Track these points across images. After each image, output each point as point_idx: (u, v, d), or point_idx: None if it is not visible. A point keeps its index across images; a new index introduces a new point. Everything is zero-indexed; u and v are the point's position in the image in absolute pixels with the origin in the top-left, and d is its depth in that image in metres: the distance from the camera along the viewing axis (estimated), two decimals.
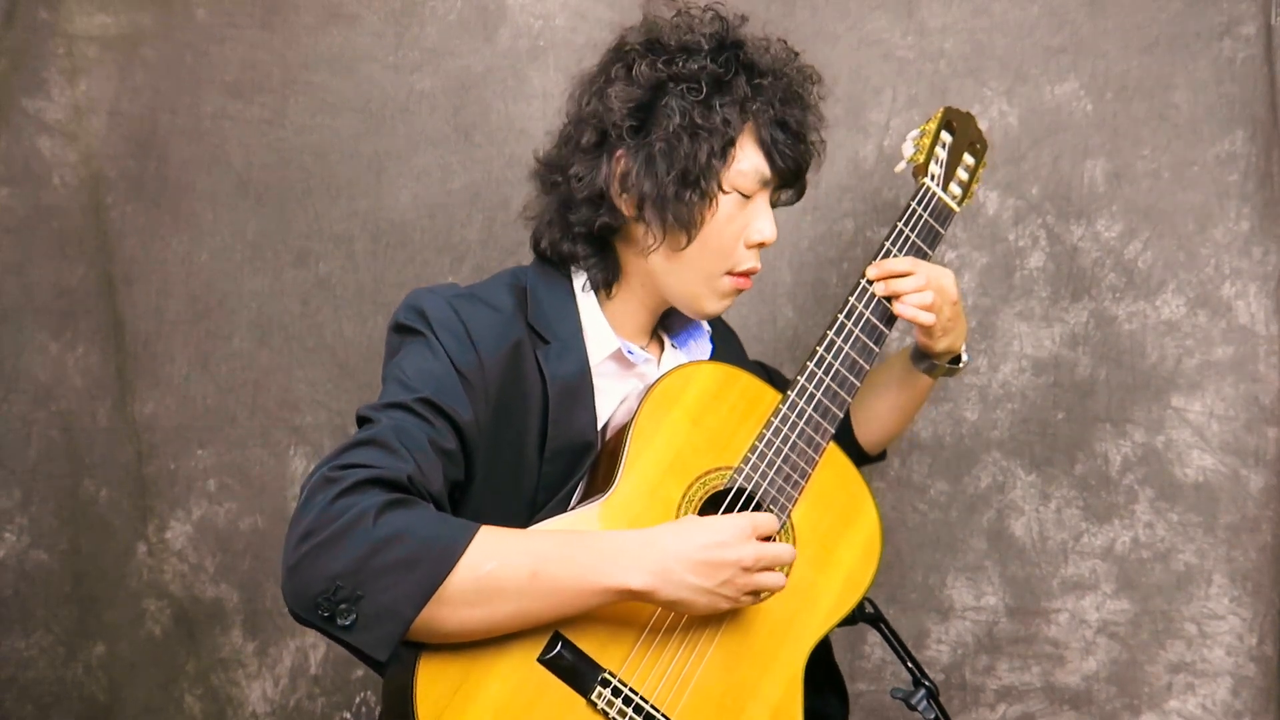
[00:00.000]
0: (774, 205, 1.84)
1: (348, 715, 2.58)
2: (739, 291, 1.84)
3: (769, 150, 1.77)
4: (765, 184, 1.79)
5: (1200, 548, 2.52)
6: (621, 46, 1.79)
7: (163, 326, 2.56)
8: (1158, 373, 2.53)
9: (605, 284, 1.83)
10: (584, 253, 1.81)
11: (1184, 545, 2.52)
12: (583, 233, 1.80)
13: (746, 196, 1.78)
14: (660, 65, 1.73)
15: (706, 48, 1.74)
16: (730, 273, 1.80)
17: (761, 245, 1.81)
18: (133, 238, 2.54)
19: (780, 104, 1.76)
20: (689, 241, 1.75)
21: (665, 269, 1.79)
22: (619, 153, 1.75)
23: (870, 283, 1.87)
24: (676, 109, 1.71)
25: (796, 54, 1.82)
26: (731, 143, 1.73)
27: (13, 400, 2.51)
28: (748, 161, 1.76)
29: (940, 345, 1.96)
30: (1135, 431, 2.53)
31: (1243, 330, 2.51)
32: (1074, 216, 2.54)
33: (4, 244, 2.51)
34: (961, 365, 2.05)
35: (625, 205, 1.77)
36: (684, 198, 1.72)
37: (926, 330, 1.92)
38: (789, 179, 1.83)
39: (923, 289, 1.87)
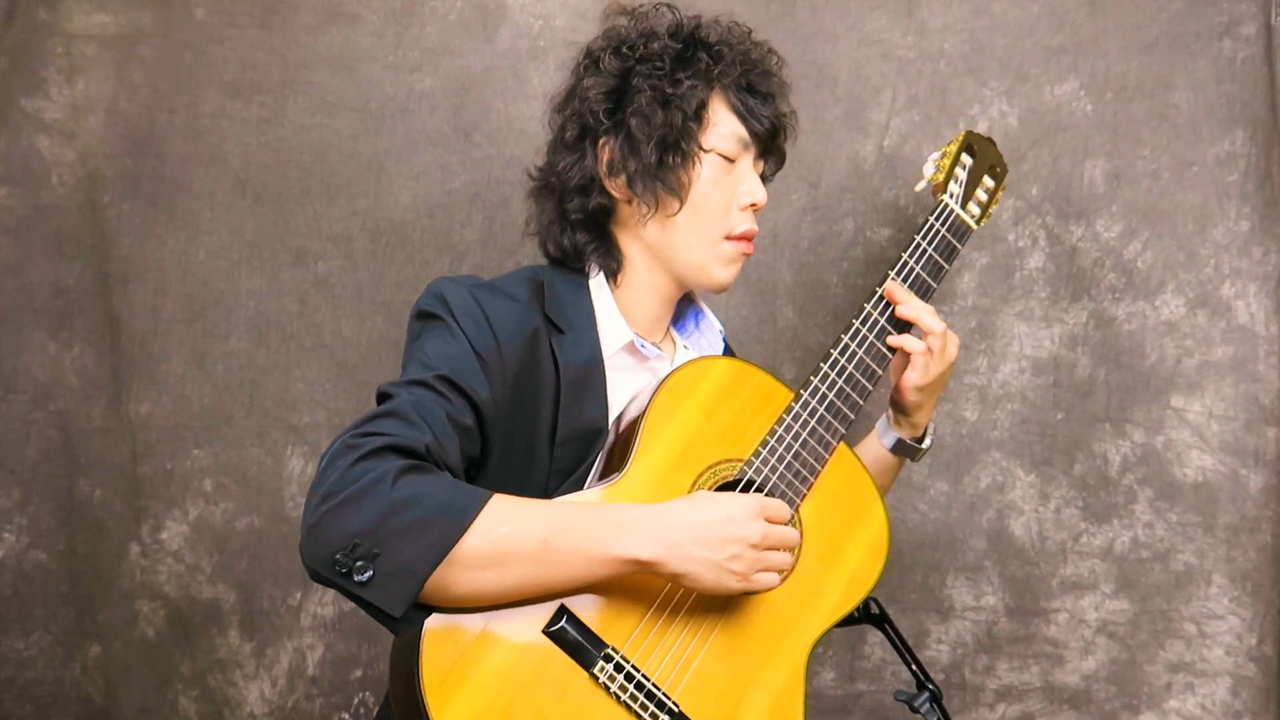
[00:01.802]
0: (761, 177, 1.93)
1: (346, 716, 2.58)
2: (744, 256, 1.91)
3: (742, 114, 1.87)
4: (746, 147, 1.89)
5: (1200, 548, 2.52)
6: (588, 52, 1.92)
7: (159, 326, 2.55)
8: (1157, 373, 2.53)
9: (610, 271, 1.90)
10: (584, 239, 1.89)
11: (1183, 545, 2.53)
12: (579, 219, 1.89)
13: (730, 160, 1.87)
14: (625, 52, 1.85)
15: (665, 31, 1.87)
16: (729, 236, 1.89)
17: (753, 207, 1.89)
18: (130, 237, 2.54)
19: (741, 67, 1.87)
20: (681, 206, 1.84)
21: (665, 240, 1.87)
22: (602, 141, 1.86)
23: (883, 295, 1.94)
24: (646, 86, 1.82)
25: (750, 30, 1.93)
26: (703, 105, 1.84)
27: (11, 400, 2.51)
28: (725, 125, 1.86)
29: (912, 400, 1.99)
30: (1135, 431, 2.54)
31: (1242, 330, 2.51)
32: (1074, 217, 2.54)
33: (2, 244, 2.51)
34: (925, 447, 2.08)
35: (616, 188, 1.87)
36: (667, 162, 1.82)
37: (913, 373, 1.96)
38: (766, 141, 1.91)
39: (919, 342, 1.95)
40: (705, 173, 1.84)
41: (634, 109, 1.82)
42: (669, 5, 1.92)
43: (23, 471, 2.51)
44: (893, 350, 1.91)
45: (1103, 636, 2.54)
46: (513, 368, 1.73)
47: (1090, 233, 2.54)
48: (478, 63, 2.58)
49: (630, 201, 1.86)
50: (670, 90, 1.81)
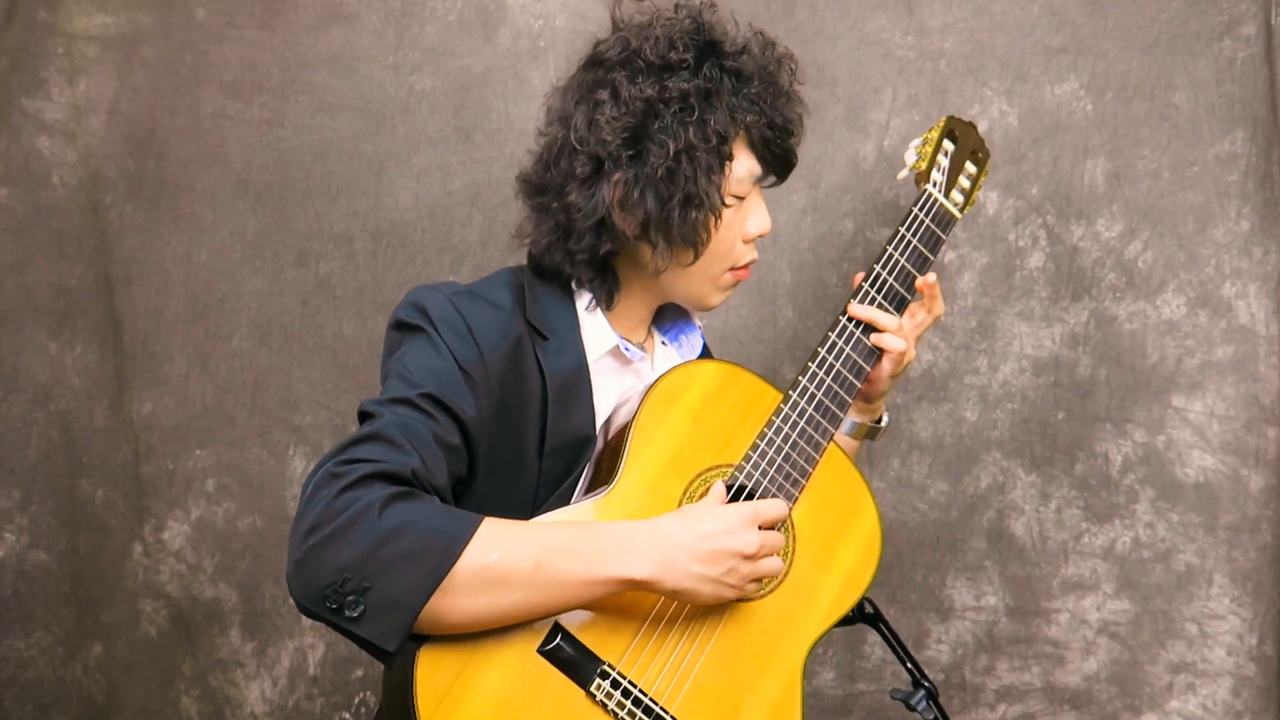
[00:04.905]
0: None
1: (347, 716, 2.58)
2: (738, 282, 1.86)
3: (761, 152, 1.78)
4: (757, 181, 1.81)
5: (1201, 548, 2.52)
6: (599, 62, 1.77)
7: (161, 326, 2.56)
8: (1158, 373, 2.53)
9: (608, 301, 1.83)
10: (587, 276, 1.80)
11: (1184, 545, 2.52)
12: (585, 259, 1.79)
13: (741, 198, 1.79)
14: (647, 86, 1.71)
15: (690, 61, 1.73)
16: (732, 268, 1.83)
17: (760, 236, 1.83)
18: (132, 237, 2.54)
19: (770, 108, 1.76)
20: (696, 258, 1.77)
21: (670, 278, 1.81)
22: (616, 176, 1.73)
23: (851, 318, 1.88)
24: (671, 133, 1.70)
25: (772, 42, 1.81)
26: (729, 156, 1.74)
27: (12, 400, 2.51)
28: (742, 167, 1.77)
29: (882, 389, 1.95)
30: (1136, 431, 2.53)
31: (1243, 330, 2.51)
32: (1074, 216, 2.54)
33: (3, 244, 2.51)
34: (884, 425, 2.05)
35: (627, 226, 1.76)
36: (689, 218, 1.72)
37: (887, 364, 1.91)
38: (780, 171, 1.84)
39: (900, 340, 1.88)
40: (722, 220, 1.77)
41: (657, 159, 1.70)
42: (686, 6, 1.78)
43: (23, 471, 2.52)
44: (879, 347, 1.87)
45: (1104, 637, 2.54)
46: (497, 378, 1.68)
47: (1091, 232, 2.53)
48: (478, 63, 2.58)
49: (640, 240, 1.76)
50: (697, 141, 1.70)
